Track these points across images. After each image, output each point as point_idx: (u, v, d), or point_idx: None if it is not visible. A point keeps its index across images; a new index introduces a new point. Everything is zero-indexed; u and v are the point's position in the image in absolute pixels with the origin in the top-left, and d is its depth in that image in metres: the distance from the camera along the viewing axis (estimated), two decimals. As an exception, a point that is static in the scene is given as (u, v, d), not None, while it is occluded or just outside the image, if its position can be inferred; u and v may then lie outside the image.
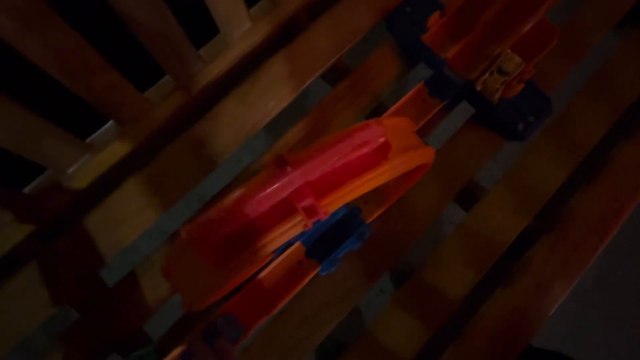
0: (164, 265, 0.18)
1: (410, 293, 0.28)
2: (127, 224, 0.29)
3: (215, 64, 0.32)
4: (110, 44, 0.28)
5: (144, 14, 0.25)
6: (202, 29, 0.32)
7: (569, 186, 0.31)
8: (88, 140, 0.31)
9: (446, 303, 0.28)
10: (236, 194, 0.14)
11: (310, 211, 0.14)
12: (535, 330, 0.28)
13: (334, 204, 0.16)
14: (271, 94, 0.32)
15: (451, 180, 0.30)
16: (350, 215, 0.25)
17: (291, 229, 0.15)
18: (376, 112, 0.32)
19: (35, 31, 0.22)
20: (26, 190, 0.29)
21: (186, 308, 0.18)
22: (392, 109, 0.29)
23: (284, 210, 0.15)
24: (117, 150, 0.30)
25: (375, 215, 0.27)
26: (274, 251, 0.20)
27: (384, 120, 0.15)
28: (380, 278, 0.28)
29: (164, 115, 0.31)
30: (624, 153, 0.32)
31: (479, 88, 0.30)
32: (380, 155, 0.14)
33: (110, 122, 0.31)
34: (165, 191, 0.29)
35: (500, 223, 0.30)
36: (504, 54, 0.30)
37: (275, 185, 0.15)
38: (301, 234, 0.21)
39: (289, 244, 0.27)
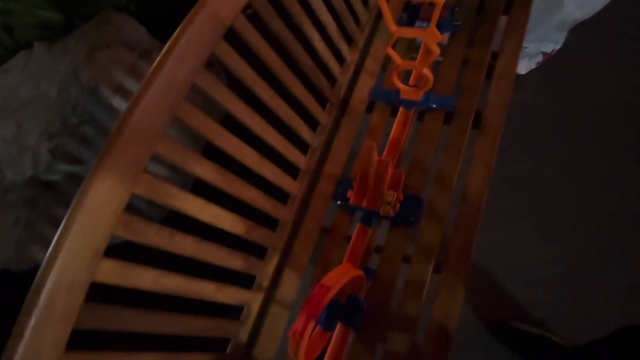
0: (289, 350, 0.49)
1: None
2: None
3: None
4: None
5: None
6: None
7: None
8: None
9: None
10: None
11: (313, 316, 0.46)
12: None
13: (320, 309, 0.49)
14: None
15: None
16: (352, 300, 0.57)
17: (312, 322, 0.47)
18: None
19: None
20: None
21: None
22: (352, 242, 0.63)
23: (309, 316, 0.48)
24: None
25: (363, 294, 0.58)
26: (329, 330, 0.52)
27: (325, 276, 0.48)
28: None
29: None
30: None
31: (382, 213, 0.63)
32: (327, 290, 0.47)
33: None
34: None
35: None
36: (385, 194, 0.64)
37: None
38: (339, 316, 0.54)
39: (334, 325, 0.58)
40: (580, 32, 1.00)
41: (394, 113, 0.75)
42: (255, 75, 0.57)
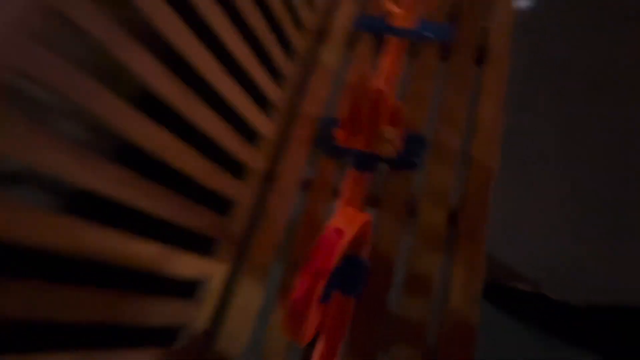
0: (282, 326, 0.35)
1: None
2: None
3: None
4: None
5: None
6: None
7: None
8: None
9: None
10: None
11: (325, 270, 0.32)
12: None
13: (332, 262, 0.35)
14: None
15: (399, 208, 0.50)
16: (353, 260, 0.44)
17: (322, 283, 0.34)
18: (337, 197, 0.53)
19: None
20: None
21: (301, 346, 0.35)
22: (343, 192, 0.49)
23: (315, 276, 0.34)
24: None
25: (366, 253, 0.46)
26: (325, 301, 0.38)
27: (333, 219, 0.34)
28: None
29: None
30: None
31: (381, 155, 0.51)
32: (340, 235, 0.33)
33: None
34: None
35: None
36: (384, 131, 0.51)
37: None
38: (335, 284, 0.40)
39: (330, 294, 0.44)
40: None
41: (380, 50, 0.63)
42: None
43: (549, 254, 0.78)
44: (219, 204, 0.51)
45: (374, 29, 0.63)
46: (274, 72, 0.56)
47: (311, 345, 0.41)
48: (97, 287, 0.32)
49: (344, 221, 0.34)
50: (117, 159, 0.37)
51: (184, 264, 0.43)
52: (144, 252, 0.36)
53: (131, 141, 0.33)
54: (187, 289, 0.49)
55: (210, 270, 0.48)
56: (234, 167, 0.53)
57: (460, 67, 0.57)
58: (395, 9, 0.59)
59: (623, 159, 0.85)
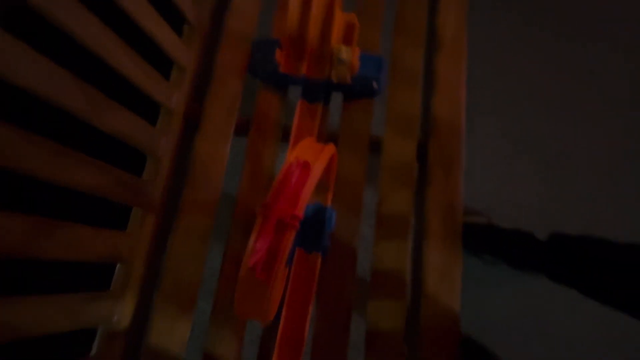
0: (236, 304, 0.25)
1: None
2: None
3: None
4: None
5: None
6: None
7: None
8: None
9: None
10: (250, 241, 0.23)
11: (293, 218, 0.23)
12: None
13: (301, 206, 0.25)
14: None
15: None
16: (316, 209, 0.35)
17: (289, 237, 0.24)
18: (286, 134, 0.42)
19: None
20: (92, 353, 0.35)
21: (264, 324, 0.26)
22: (294, 129, 0.39)
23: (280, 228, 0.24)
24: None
25: (329, 199, 0.37)
26: (287, 264, 0.29)
27: (295, 152, 0.25)
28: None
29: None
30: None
31: (335, 80, 0.41)
32: (307, 170, 0.23)
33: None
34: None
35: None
36: (335, 49, 0.41)
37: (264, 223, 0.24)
38: (296, 241, 0.31)
39: (292, 255, 0.36)
40: None
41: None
42: None
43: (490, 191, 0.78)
44: (131, 161, 0.38)
45: None
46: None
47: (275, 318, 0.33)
48: None
49: (309, 153, 0.25)
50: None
51: (92, 243, 0.30)
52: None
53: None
54: (97, 277, 0.37)
55: (126, 251, 0.35)
56: (146, 109, 0.39)
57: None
58: None
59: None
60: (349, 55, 0.41)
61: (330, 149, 0.28)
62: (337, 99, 0.44)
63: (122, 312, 0.35)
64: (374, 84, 0.42)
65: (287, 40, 0.41)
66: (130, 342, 0.36)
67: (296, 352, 0.33)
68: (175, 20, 0.42)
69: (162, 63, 0.40)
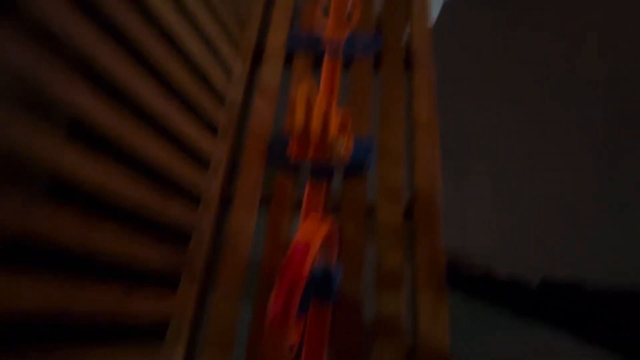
0: (263, 349, 0.34)
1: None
2: None
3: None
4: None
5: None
6: None
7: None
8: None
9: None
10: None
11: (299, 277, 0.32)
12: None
13: (306, 269, 0.35)
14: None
15: (358, 211, 0.52)
16: (320, 268, 0.45)
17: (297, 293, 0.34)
18: (299, 205, 0.53)
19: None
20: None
21: None
22: (304, 204, 0.50)
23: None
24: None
25: (334, 259, 0.47)
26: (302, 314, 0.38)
27: (298, 233, 0.35)
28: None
29: None
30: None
31: (335, 164, 0.53)
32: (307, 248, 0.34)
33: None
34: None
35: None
36: (334, 139, 0.54)
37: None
38: (308, 296, 0.40)
39: (306, 307, 0.45)
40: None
41: (317, 64, 0.66)
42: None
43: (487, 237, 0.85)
44: (177, 237, 0.50)
45: (308, 45, 0.65)
46: (216, 96, 0.56)
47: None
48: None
49: (309, 233, 0.35)
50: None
51: (146, 305, 0.41)
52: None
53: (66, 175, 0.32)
54: (153, 333, 0.47)
55: (175, 310, 0.46)
56: (190, 196, 0.52)
57: (392, 73, 0.61)
58: (326, 23, 0.62)
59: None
60: (345, 143, 0.53)
61: (327, 225, 0.38)
62: (338, 176, 0.55)
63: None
64: (366, 163, 0.54)
65: (295, 135, 0.54)
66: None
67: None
68: (209, 126, 0.56)
69: (202, 161, 0.53)
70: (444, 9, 1.06)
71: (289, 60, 0.66)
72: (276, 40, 0.66)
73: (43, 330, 0.33)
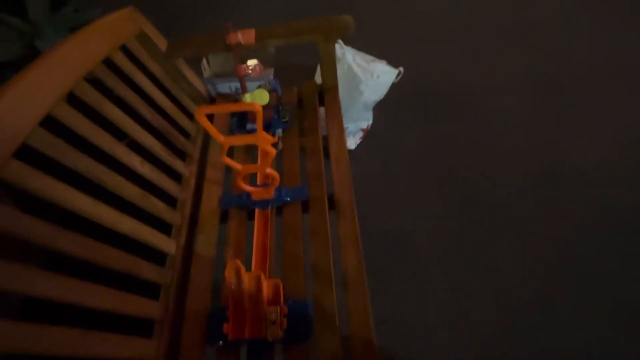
0: None
1: None
2: None
3: None
4: None
5: None
6: None
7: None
8: None
9: None
10: None
11: None
12: None
13: None
14: None
15: None
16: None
17: None
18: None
19: None
20: None
21: None
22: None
23: None
24: None
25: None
26: None
27: None
28: None
29: None
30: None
31: (270, 339, 0.53)
32: None
33: None
34: None
35: None
36: (267, 313, 0.54)
37: None
38: None
39: None
40: (383, 107, 1.22)
41: (250, 216, 0.70)
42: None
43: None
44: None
45: (239, 204, 0.70)
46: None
47: None
48: None
49: None
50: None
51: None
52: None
53: None
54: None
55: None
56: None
57: (319, 217, 0.65)
58: (251, 188, 0.67)
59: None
60: (278, 315, 0.54)
61: None
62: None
63: None
64: (302, 331, 0.54)
65: (230, 313, 0.54)
66: None
67: None
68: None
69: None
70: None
71: (224, 218, 0.70)
72: (209, 206, 0.70)
73: None
